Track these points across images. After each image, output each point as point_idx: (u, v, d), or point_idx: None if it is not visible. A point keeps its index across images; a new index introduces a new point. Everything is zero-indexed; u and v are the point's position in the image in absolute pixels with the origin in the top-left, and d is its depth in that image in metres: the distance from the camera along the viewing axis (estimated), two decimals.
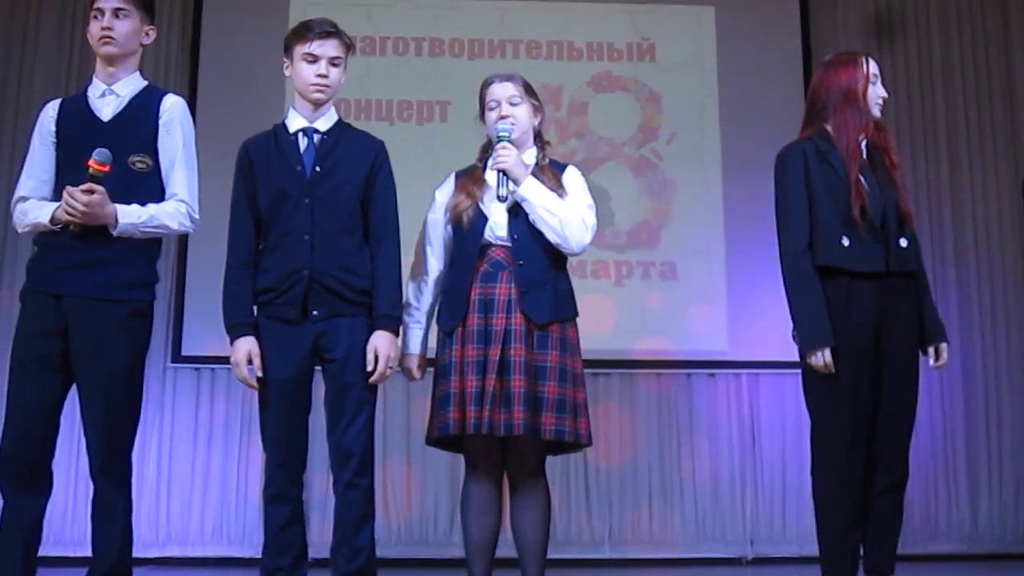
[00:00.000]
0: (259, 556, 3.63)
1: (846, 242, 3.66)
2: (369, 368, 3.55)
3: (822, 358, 3.61)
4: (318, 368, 3.62)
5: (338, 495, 3.58)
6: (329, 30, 3.65)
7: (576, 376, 3.66)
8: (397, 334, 3.65)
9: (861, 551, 3.72)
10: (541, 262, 3.68)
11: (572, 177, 3.83)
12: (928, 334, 3.79)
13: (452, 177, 3.88)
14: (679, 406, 6.75)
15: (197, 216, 3.63)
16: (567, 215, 3.66)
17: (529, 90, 3.85)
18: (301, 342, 3.55)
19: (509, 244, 3.67)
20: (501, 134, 3.71)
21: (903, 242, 3.71)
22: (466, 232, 3.70)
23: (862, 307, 3.66)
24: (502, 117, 3.76)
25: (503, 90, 3.80)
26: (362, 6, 6.90)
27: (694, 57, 7.13)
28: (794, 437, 6.59)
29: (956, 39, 7.27)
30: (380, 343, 3.57)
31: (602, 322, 6.38)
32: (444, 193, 3.84)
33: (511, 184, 3.65)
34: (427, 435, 3.72)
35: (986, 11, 7.32)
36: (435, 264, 3.81)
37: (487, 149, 3.88)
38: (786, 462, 6.62)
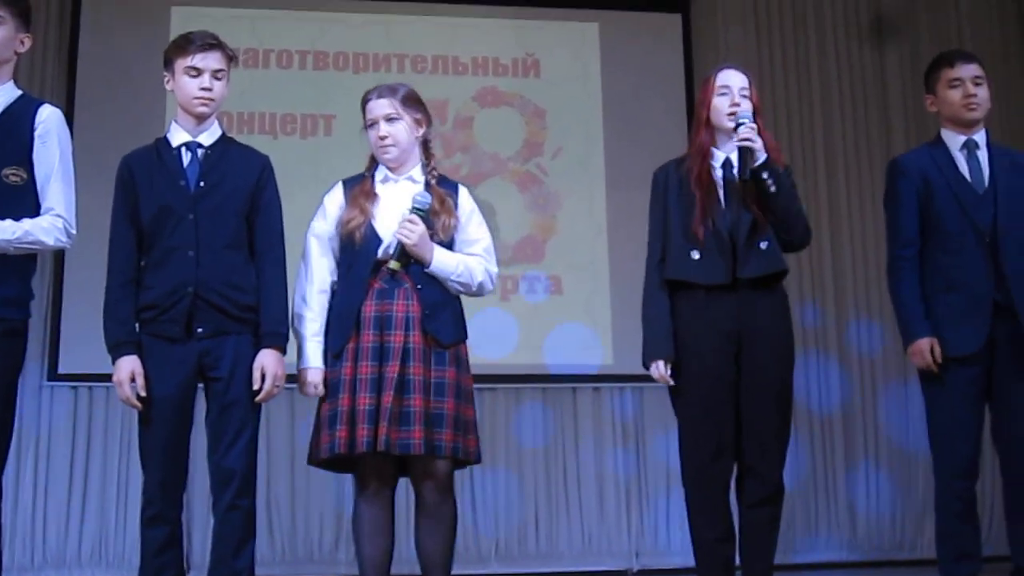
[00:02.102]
0: None
1: (696, 255, 3.73)
2: (256, 386, 3.51)
3: (657, 370, 3.73)
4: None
5: (218, 517, 3.52)
6: (211, 42, 3.59)
7: (469, 394, 3.64)
8: (284, 352, 3.59)
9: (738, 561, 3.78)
10: (439, 284, 3.63)
11: (467, 206, 3.77)
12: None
13: (340, 186, 3.75)
14: (564, 421, 6.77)
15: (74, 231, 3.50)
16: (473, 277, 3.67)
17: (409, 101, 3.73)
18: (185, 360, 3.48)
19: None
20: (417, 206, 3.58)
21: (762, 245, 3.74)
22: (357, 249, 3.59)
23: (717, 320, 3.71)
24: (381, 138, 3.67)
25: (379, 108, 3.69)
26: (245, 18, 6.79)
27: (578, 72, 7.17)
28: (678, 450, 6.65)
29: (832, 51, 7.44)
30: (267, 361, 3.53)
31: (488, 337, 6.35)
32: (334, 203, 3.71)
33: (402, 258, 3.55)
34: (310, 455, 3.60)
35: (860, 24, 7.50)
36: (327, 276, 3.66)
37: (375, 160, 3.77)
38: (671, 475, 6.64)
